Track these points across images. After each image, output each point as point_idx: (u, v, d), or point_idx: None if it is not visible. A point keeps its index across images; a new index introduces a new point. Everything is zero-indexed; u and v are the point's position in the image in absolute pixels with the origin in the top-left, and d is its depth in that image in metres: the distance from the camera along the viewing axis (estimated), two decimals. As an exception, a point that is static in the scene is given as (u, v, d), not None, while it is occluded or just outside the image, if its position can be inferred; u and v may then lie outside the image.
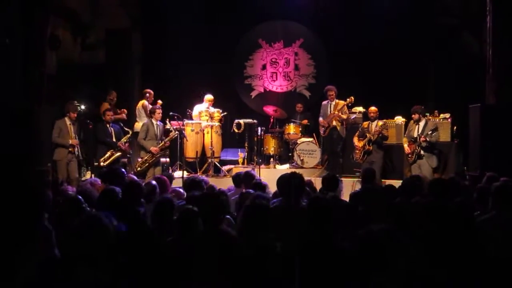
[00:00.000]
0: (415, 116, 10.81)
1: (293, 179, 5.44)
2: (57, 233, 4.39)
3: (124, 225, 4.45)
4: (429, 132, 10.52)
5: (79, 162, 10.81)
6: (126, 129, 11.38)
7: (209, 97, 12.46)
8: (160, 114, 11.29)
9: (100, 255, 3.29)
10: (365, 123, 11.54)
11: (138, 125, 11.90)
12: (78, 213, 4.79)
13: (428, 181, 6.63)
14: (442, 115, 11.83)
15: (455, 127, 11.79)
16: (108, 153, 10.94)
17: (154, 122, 11.24)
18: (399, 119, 12.09)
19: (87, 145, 11.24)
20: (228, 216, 5.49)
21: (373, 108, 11.46)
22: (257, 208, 4.61)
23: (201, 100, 12.51)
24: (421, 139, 10.53)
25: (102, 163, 10.75)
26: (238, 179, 7.84)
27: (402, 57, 13.25)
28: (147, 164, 11.04)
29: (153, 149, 11.01)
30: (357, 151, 11.35)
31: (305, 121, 13.10)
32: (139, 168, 11.02)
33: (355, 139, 11.47)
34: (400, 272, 3.19)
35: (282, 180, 5.53)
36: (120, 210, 5.14)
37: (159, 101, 12.03)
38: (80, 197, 5.33)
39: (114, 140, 11.05)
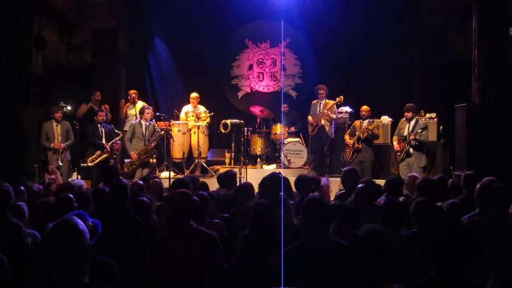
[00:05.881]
0: (409, 115, 10.82)
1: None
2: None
3: (98, 223, 4.48)
4: (419, 131, 10.56)
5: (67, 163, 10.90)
6: (116, 131, 11.38)
7: (193, 95, 12.46)
8: (150, 114, 11.29)
9: (75, 258, 3.26)
10: (357, 122, 11.57)
11: None
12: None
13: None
14: (428, 115, 11.84)
15: (441, 127, 11.82)
16: (96, 154, 10.94)
17: (143, 122, 11.23)
18: (386, 119, 12.11)
19: (74, 146, 11.22)
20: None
21: (365, 107, 11.49)
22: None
23: (185, 101, 12.52)
24: (411, 137, 10.57)
25: (89, 164, 10.75)
26: (220, 179, 7.76)
27: (388, 57, 13.30)
28: (134, 166, 11.04)
29: (132, 154, 11.05)
30: (347, 150, 11.37)
31: (292, 129, 13.04)
32: (126, 170, 11.02)
33: (346, 137, 11.48)
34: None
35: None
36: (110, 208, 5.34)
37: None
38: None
39: (104, 141, 11.05)
